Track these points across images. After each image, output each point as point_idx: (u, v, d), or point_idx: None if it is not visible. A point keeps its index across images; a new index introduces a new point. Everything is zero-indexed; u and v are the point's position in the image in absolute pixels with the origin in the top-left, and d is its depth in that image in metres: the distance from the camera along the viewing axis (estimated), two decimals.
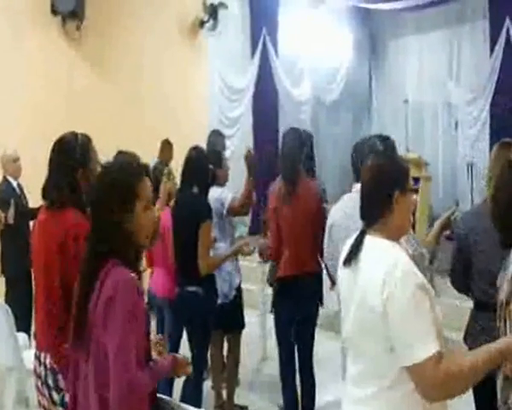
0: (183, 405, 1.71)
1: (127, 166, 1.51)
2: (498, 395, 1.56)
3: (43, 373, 1.87)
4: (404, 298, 1.33)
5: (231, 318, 3.22)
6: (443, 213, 2.30)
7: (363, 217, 1.52)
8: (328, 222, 2.44)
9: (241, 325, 3.34)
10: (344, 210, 2.39)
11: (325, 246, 2.51)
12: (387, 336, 1.36)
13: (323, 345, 3.58)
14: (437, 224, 2.23)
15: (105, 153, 2.42)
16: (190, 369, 1.62)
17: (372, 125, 8.73)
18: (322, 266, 2.78)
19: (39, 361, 1.89)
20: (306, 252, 2.80)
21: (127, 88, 5.87)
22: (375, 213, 1.48)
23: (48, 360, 1.85)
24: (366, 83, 8.87)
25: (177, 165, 4.39)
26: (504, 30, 6.81)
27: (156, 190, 3.11)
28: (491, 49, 7.05)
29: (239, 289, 3.28)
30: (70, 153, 1.90)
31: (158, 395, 1.55)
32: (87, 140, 1.96)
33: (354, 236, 1.53)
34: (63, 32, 5.51)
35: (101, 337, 1.39)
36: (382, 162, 1.54)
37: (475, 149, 7.29)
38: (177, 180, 3.90)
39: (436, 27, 7.79)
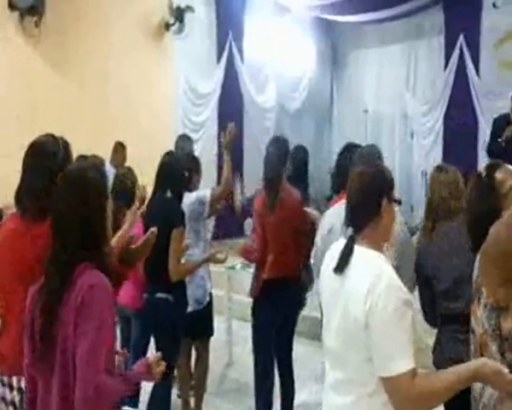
0: None
1: (99, 167, 1.56)
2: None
3: (17, 399, 1.72)
4: (387, 310, 1.35)
5: (202, 325, 3.19)
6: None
7: (350, 224, 1.52)
8: (326, 226, 2.44)
9: (211, 332, 3.31)
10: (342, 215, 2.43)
11: (317, 247, 2.50)
12: (368, 345, 1.38)
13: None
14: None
15: None
16: (163, 367, 1.59)
17: (333, 134, 8.93)
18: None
19: (10, 387, 1.74)
20: (289, 257, 2.83)
21: (88, 88, 5.71)
22: (363, 220, 1.49)
23: (22, 383, 1.67)
24: (328, 92, 9.05)
25: (138, 168, 4.33)
26: (458, 46, 7.20)
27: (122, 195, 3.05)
28: (446, 64, 7.43)
29: (210, 295, 3.26)
30: (51, 156, 1.79)
31: (125, 408, 1.57)
32: (67, 143, 1.88)
33: (339, 243, 1.54)
34: (21, 28, 5.29)
35: (70, 340, 1.37)
36: (373, 170, 1.54)
37: (429, 159, 7.64)
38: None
39: (395, 41, 8.09)
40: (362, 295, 1.38)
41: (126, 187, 2.95)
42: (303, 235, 2.82)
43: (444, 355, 2.11)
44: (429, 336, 2.79)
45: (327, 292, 1.56)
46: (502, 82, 6.56)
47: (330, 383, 1.54)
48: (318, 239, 2.50)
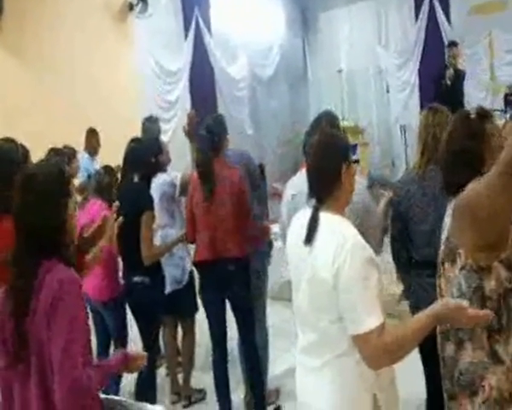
0: (134, 402, 1.69)
1: (57, 165, 1.55)
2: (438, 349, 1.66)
3: None
4: (353, 270, 1.39)
5: (185, 303, 3.20)
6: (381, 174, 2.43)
7: (313, 194, 1.54)
8: (289, 193, 2.34)
9: (195, 309, 3.31)
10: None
11: (283, 217, 2.41)
12: (337, 306, 1.43)
13: (279, 314, 3.65)
14: (382, 203, 2.38)
15: (33, 145, 2.39)
16: (144, 362, 1.62)
17: (309, 97, 8.90)
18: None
19: None
20: (224, 237, 2.72)
21: (54, 75, 5.60)
22: (326, 188, 1.52)
23: None
24: (300, 56, 8.97)
25: (108, 154, 4.30)
26: None
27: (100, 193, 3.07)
28: (417, 15, 7.35)
29: (191, 273, 3.24)
30: (11, 163, 1.84)
31: (103, 395, 1.54)
32: (27, 151, 1.91)
33: (305, 212, 1.56)
34: None
35: (44, 340, 1.36)
36: (329, 139, 1.59)
37: (407, 112, 7.65)
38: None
39: None
40: (329, 257, 1.43)
41: (102, 186, 3.05)
42: (244, 212, 2.74)
43: (419, 302, 2.13)
44: (394, 284, 2.87)
45: (295, 259, 1.59)
46: (473, 28, 6.52)
47: (301, 346, 1.58)
48: (283, 209, 2.41)
